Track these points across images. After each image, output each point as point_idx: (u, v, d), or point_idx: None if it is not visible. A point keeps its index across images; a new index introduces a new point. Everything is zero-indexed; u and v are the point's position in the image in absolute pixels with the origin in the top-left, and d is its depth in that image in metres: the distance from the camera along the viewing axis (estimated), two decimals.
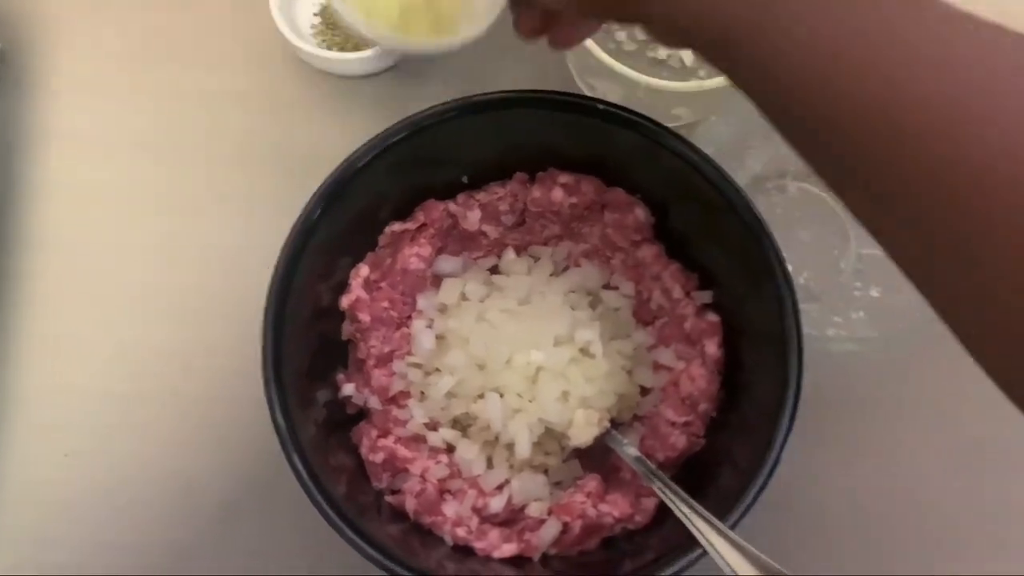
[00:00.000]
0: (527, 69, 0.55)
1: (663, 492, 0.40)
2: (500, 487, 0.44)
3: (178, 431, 0.49)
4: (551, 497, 0.44)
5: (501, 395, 0.45)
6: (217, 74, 0.56)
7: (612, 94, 0.51)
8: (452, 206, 0.47)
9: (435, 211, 0.47)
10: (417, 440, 0.45)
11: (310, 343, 0.44)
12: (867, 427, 0.49)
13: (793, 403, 0.39)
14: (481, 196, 0.48)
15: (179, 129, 0.55)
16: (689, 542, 0.37)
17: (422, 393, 0.47)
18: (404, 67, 0.56)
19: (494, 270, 0.49)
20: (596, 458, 0.45)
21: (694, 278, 0.46)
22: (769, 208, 0.53)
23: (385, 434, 0.44)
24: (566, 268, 0.49)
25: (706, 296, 0.45)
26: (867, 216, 0.28)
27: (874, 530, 0.48)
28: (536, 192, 0.47)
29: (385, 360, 0.46)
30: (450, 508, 0.43)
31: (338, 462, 0.43)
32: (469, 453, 0.45)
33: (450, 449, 0.46)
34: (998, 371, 0.25)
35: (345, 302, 0.45)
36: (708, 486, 0.41)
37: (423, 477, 0.44)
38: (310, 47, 0.54)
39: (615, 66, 0.48)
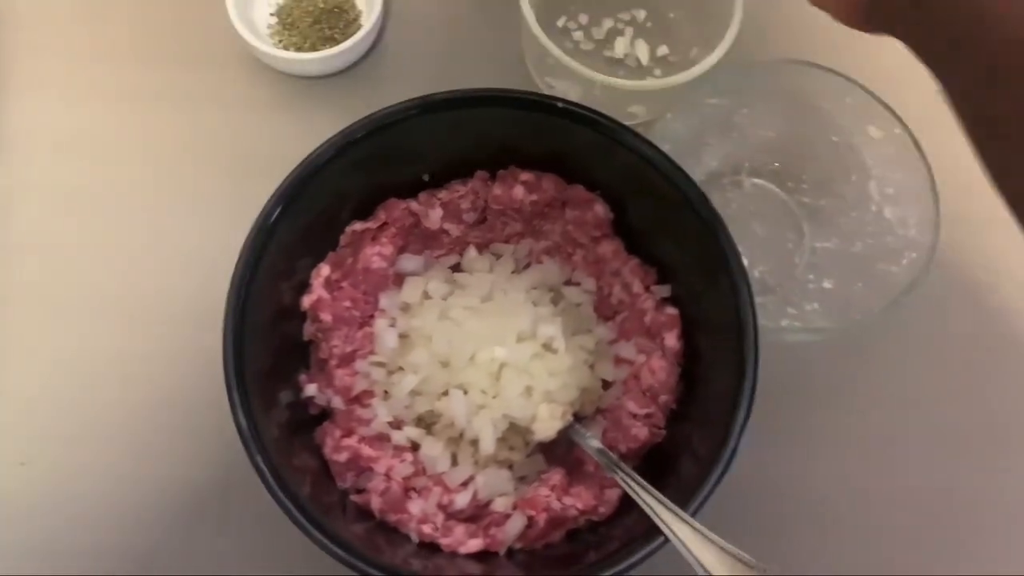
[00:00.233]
0: (486, 69, 0.55)
1: (626, 483, 0.40)
2: (465, 483, 0.45)
3: (138, 437, 0.49)
4: (516, 492, 0.44)
5: (465, 392, 0.45)
6: (174, 75, 0.55)
7: (570, 92, 0.52)
8: (414, 205, 0.48)
9: (396, 210, 0.47)
10: (381, 439, 0.45)
11: (272, 344, 0.43)
12: (822, 415, 0.51)
13: (750, 393, 0.39)
14: (443, 194, 0.48)
15: (136, 131, 0.54)
16: (652, 531, 0.38)
17: (386, 392, 0.47)
18: (362, 68, 0.56)
19: (456, 268, 0.49)
20: (560, 452, 0.46)
21: (653, 272, 0.47)
22: (725, 203, 0.54)
23: (349, 434, 0.44)
24: (528, 265, 0.49)
25: (665, 290, 0.46)
26: None
27: (829, 517, 0.49)
28: (497, 190, 0.47)
29: (348, 360, 0.46)
30: (415, 506, 0.43)
31: (302, 463, 0.43)
32: (434, 450, 0.45)
33: (415, 447, 0.46)
34: None
35: (307, 302, 0.45)
36: (669, 476, 0.42)
37: (388, 476, 0.44)
38: (267, 47, 0.54)
39: (572, 65, 0.49)
